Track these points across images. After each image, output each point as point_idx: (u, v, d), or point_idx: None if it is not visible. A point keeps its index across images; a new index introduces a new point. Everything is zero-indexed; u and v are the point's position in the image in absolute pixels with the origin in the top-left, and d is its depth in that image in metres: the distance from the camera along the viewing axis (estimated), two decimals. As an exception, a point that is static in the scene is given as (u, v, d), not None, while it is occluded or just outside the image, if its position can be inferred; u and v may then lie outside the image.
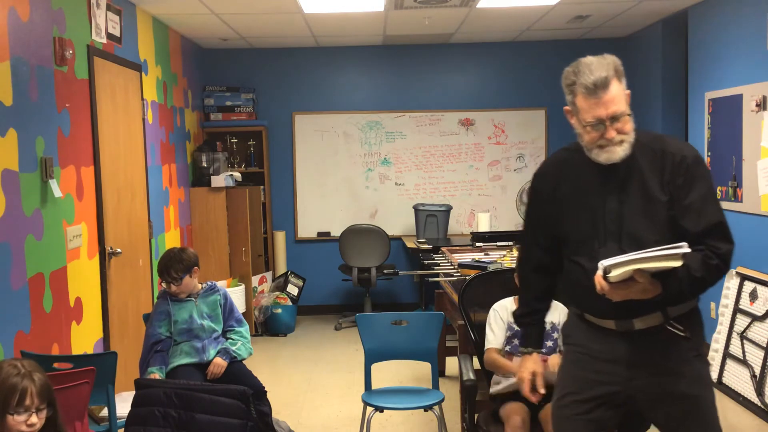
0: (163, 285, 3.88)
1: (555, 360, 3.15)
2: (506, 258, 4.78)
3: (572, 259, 2.35)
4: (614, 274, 2.07)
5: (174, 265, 3.79)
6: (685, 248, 2.03)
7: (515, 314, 2.65)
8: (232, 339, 3.90)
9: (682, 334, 2.24)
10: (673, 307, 2.23)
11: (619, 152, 2.21)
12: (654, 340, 2.26)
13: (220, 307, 3.92)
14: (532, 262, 2.53)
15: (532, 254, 2.52)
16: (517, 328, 3.36)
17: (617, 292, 2.13)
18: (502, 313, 3.42)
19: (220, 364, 3.78)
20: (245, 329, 3.97)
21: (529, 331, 2.58)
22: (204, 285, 3.96)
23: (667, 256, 2.04)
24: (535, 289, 2.54)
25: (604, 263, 2.09)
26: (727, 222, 2.21)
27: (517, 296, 3.43)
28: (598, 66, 2.20)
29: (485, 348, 3.41)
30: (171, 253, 3.85)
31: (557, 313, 3.39)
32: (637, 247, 2.16)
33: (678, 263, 2.05)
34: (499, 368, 3.33)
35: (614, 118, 2.18)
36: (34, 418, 2.22)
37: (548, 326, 3.35)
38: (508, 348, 3.38)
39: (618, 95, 2.19)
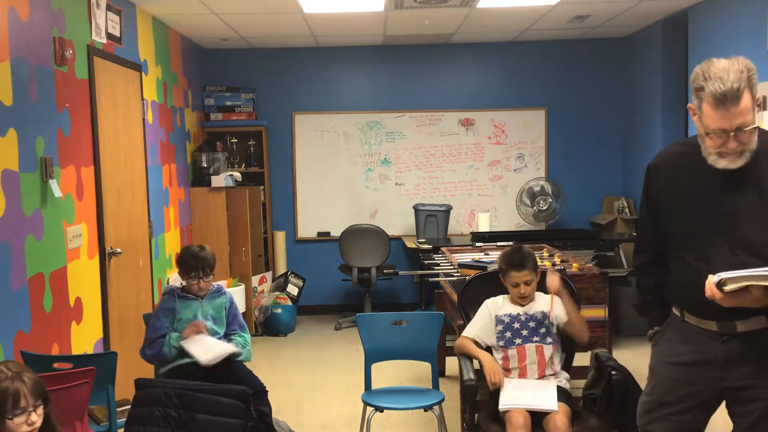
0: (183, 281, 3.89)
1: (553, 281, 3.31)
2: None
3: (679, 255, 2.32)
4: (730, 287, 2.04)
5: (209, 260, 3.82)
6: None
7: (637, 306, 2.62)
8: (239, 342, 3.89)
9: None
10: None
11: (738, 162, 2.15)
12: (755, 343, 2.22)
13: (225, 311, 3.92)
14: (648, 254, 2.49)
15: (649, 245, 2.48)
16: (507, 321, 3.40)
17: (729, 301, 2.09)
18: (491, 309, 3.49)
19: (205, 325, 3.76)
20: (248, 336, 3.97)
21: (654, 314, 2.52)
22: (212, 287, 3.96)
23: None
24: (652, 278, 2.49)
25: (722, 276, 2.05)
26: None
27: (508, 295, 3.49)
28: (731, 74, 2.09)
29: (461, 334, 3.49)
30: (197, 249, 3.85)
31: (546, 303, 3.42)
32: (747, 250, 2.12)
33: None
34: (467, 353, 3.43)
35: (739, 130, 2.11)
36: (33, 417, 2.23)
37: (540, 316, 3.39)
38: (501, 343, 3.41)
39: (747, 107, 2.09)
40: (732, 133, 2.10)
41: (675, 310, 2.40)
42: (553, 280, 3.33)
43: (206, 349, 3.71)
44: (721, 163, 2.16)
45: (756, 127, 2.13)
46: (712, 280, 2.08)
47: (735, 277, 2.02)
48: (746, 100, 2.09)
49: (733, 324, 2.22)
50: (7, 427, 2.20)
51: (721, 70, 2.11)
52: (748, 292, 2.06)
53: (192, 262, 3.81)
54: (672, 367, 2.37)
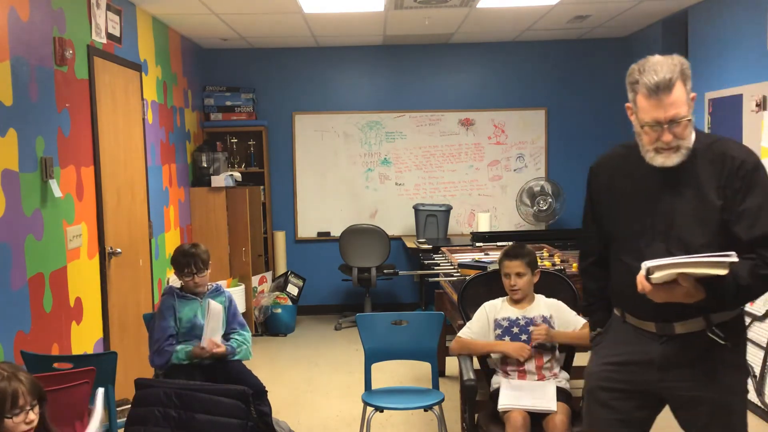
0: (180, 280, 3.90)
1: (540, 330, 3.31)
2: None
3: (618, 256, 2.33)
4: (657, 275, 2.04)
5: (201, 255, 3.85)
6: (733, 257, 1.99)
7: (581, 307, 2.64)
8: (237, 340, 3.90)
9: (722, 342, 2.19)
10: (716, 313, 2.19)
11: (674, 159, 2.17)
12: (692, 346, 2.22)
13: (224, 310, 3.92)
14: (592, 256, 2.50)
15: (592, 248, 2.50)
16: (505, 325, 3.41)
17: (659, 294, 2.10)
18: (490, 312, 3.48)
19: (218, 344, 3.74)
20: (248, 335, 3.97)
21: (597, 317, 2.52)
22: (210, 286, 3.97)
23: (713, 264, 2.00)
24: (596, 281, 2.50)
25: (647, 264, 2.05)
26: None
27: (506, 297, 3.49)
28: (664, 67, 2.15)
29: (457, 335, 3.49)
30: (188, 246, 3.89)
31: (546, 307, 3.43)
32: (684, 250, 2.12)
33: (723, 272, 2.00)
34: (474, 351, 3.43)
35: (673, 122, 2.14)
36: (31, 415, 2.25)
37: (539, 320, 3.39)
38: None
39: (680, 99, 2.13)
40: (666, 125, 2.14)
41: (616, 311, 2.40)
42: (539, 333, 3.33)
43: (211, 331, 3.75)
44: (658, 160, 2.18)
45: (690, 120, 2.15)
46: (641, 272, 2.09)
47: (661, 265, 2.02)
48: (679, 91, 2.13)
49: (671, 325, 2.22)
50: (6, 426, 2.21)
51: (655, 63, 2.17)
52: (678, 285, 2.07)
53: (184, 259, 3.84)
54: (609, 366, 2.36)
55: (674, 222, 2.20)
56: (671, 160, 2.17)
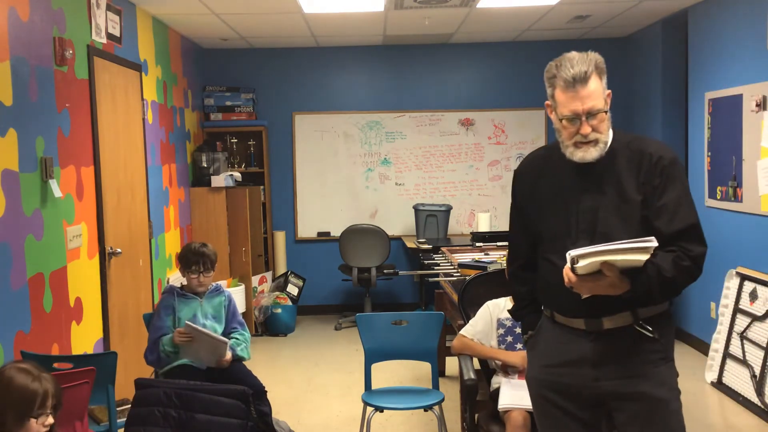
0: (184, 277, 3.91)
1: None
2: (506, 258, 4.78)
3: (545, 256, 2.35)
4: (581, 264, 2.07)
5: (210, 256, 3.88)
6: (653, 242, 2.03)
7: (512, 311, 2.65)
8: (236, 339, 3.90)
9: (650, 335, 2.21)
10: (643, 308, 2.21)
11: (593, 153, 2.21)
12: (622, 341, 2.23)
13: (224, 309, 3.94)
14: (519, 260, 2.52)
15: (519, 252, 2.51)
16: (509, 325, 3.41)
17: (585, 285, 2.12)
18: (493, 311, 3.48)
19: (228, 359, 3.77)
20: (247, 334, 3.99)
21: (529, 319, 2.52)
22: (210, 286, 3.98)
23: (635, 249, 2.04)
24: (525, 284, 2.51)
25: (571, 253, 2.08)
26: (700, 225, 2.19)
27: (510, 297, 3.49)
28: (579, 61, 2.20)
29: (459, 333, 3.49)
30: (198, 245, 3.91)
31: None
32: None
33: (645, 257, 2.06)
34: (477, 354, 3.42)
35: (590, 114, 2.18)
36: (51, 419, 2.30)
37: None
38: (502, 347, 3.42)
39: (596, 91, 2.19)
40: (584, 118, 2.18)
41: (545, 312, 2.41)
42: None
43: (208, 352, 3.72)
44: (578, 155, 2.22)
45: (606, 113, 2.20)
46: (567, 265, 2.11)
47: (585, 253, 2.04)
48: (595, 83, 2.19)
49: (600, 321, 2.23)
50: (30, 426, 2.25)
51: (571, 58, 2.22)
52: (603, 276, 2.08)
53: (193, 257, 3.86)
54: (548, 369, 2.36)
55: (597, 220, 2.23)
56: (590, 154, 2.21)
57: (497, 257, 4.85)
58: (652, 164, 2.20)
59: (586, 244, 2.18)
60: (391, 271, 6.84)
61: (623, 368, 2.24)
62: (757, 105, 4.71)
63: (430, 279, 5.16)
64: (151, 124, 5.39)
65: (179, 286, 3.96)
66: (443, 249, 5.65)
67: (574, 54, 2.24)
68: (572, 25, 6.43)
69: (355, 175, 7.39)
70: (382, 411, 3.71)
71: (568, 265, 2.11)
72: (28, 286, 3.34)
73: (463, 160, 7.40)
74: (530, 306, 2.51)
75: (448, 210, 7.03)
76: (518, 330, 3.39)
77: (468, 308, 3.67)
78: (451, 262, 5.04)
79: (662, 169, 2.20)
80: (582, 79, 2.17)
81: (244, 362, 3.92)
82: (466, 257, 4.97)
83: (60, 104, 3.78)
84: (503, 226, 7.34)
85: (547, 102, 2.31)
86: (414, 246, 6.80)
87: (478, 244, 5.79)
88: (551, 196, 2.34)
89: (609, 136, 2.25)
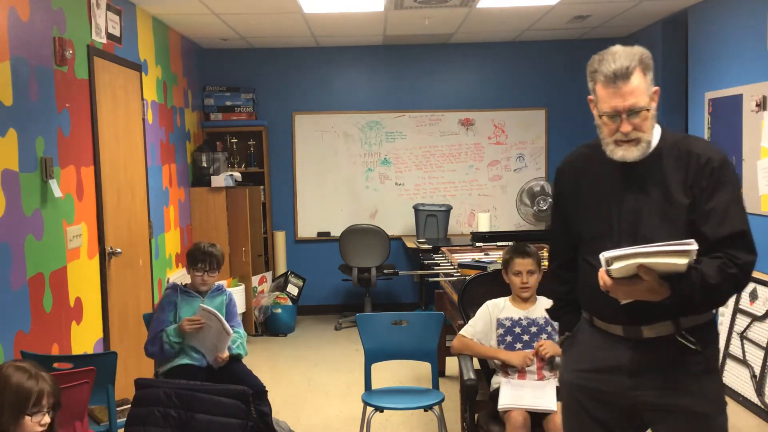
0: (189, 274, 3.95)
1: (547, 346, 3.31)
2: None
3: (585, 258, 2.26)
4: (616, 267, 1.96)
5: (218, 257, 3.93)
6: (693, 245, 1.92)
7: (549, 311, 2.57)
8: (233, 338, 3.91)
9: (693, 347, 2.10)
10: (685, 317, 2.10)
11: (634, 152, 2.11)
12: (662, 351, 2.13)
13: (224, 308, 3.96)
14: (559, 259, 2.44)
15: (559, 251, 2.43)
16: (508, 325, 3.41)
17: (621, 290, 2.02)
18: (492, 311, 3.48)
19: (225, 356, 3.81)
20: (243, 331, 4.04)
21: (566, 320, 2.44)
22: (213, 285, 4.00)
23: (673, 252, 1.92)
24: (564, 284, 2.42)
25: (605, 254, 1.97)
26: (750, 232, 2.07)
27: (509, 297, 3.49)
28: (622, 55, 2.09)
29: (459, 333, 3.49)
30: (207, 245, 3.94)
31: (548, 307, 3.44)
32: None
33: (684, 261, 1.93)
34: (477, 354, 3.43)
35: (632, 112, 2.08)
36: (47, 418, 2.30)
37: (542, 321, 3.39)
38: (502, 347, 3.42)
39: (639, 88, 2.07)
40: (624, 115, 2.08)
41: (584, 315, 2.32)
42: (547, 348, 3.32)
43: (212, 342, 3.76)
44: (618, 153, 2.12)
45: (649, 111, 2.09)
46: (602, 267, 2.01)
47: (620, 255, 1.94)
48: (638, 80, 2.07)
49: (639, 329, 2.13)
50: (24, 424, 2.26)
51: (615, 52, 2.11)
52: (639, 280, 1.98)
53: (201, 256, 3.90)
54: (582, 373, 2.28)
55: (640, 222, 2.14)
56: (631, 153, 2.11)
57: (497, 257, 4.85)
58: (701, 166, 2.09)
59: (627, 247, 2.07)
60: (391, 271, 6.83)
61: (661, 379, 2.13)
62: (757, 105, 4.71)
63: (430, 279, 5.16)
64: (151, 124, 5.39)
65: (182, 284, 3.99)
66: (443, 249, 5.65)
67: (618, 48, 2.13)
68: (572, 25, 6.43)
69: (355, 175, 7.39)
70: (382, 411, 3.71)
71: (603, 267, 2.00)
72: (28, 286, 3.34)
73: (463, 160, 7.40)
74: (568, 306, 2.42)
75: (448, 210, 7.03)
76: (517, 330, 3.40)
77: (468, 308, 3.67)
78: (451, 262, 5.04)
79: (711, 171, 2.08)
80: (623, 75, 2.07)
81: (244, 362, 3.93)
82: (466, 257, 4.97)
83: (60, 104, 3.78)
84: (503, 226, 7.35)
85: (589, 97, 2.21)
86: (414, 246, 6.80)
87: (478, 244, 5.79)
88: (592, 195, 2.25)
89: (654, 135, 2.14)
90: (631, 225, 2.15)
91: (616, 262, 1.96)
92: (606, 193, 2.21)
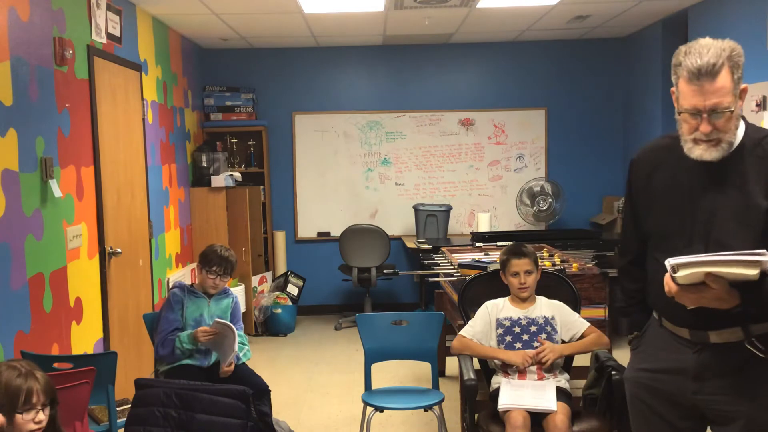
0: (200, 275, 3.93)
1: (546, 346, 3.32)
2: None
3: (654, 255, 2.17)
4: (682, 274, 1.88)
5: (232, 263, 3.93)
6: (765, 256, 1.81)
7: (618, 308, 2.52)
8: (239, 344, 3.90)
9: (762, 355, 2.00)
10: (756, 324, 2.01)
11: (713, 153, 1.98)
12: (728, 357, 2.05)
13: (230, 311, 3.96)
14: (629, 255, 2.35)
15: (630, 246, 2.34)
16: (507, 325, 3.41)
17: (687, 296, 1.94)
18: (492, 311, 3.48)
19: (230, 369, 3.79)
20: (244, 334, 4.03)
21: (635, 318, 2.36)
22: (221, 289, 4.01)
23: (743, 263, 1.82)
24: (635, 281, 2.34)
25: (671, 261, 1.88)
26: None
27: (509, 297, 3.49)
28: (711, 50, 1.96)
29: (459, 333, 3.49)
30: (224, 249, 3.95)
31: (549, 308, 3.44)
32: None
33: (754, 272, 1.83)
34: (476, 354, 3.42)
35: (714, 112, 1.95)
36: (41, 415, 2.30)
37: (541, 320, 3.39)
38: (501, 346, 3.42)
39: (724, 88, 1.95)
40: (705, 115, 1.96)
41: (654, 314, 2.25)
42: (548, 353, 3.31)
43: (223, 352, 3.76)
44: (696, 152, 2.00)
45: (731, 112, 1.96)
46: (668, 272, 1.93)
47: (686, 263, 1.85)
48: (724, 79, 1.95)
49: (705, 334, 2.07)
50: (16, 422, 2.26)
51: (703, 46, 1.98)
52: (707, 288, 1.90)
53: (216, 259, 3.90)
54: (644, 373, 2.24)
55: (714, 223, 2.02)
56: (710, 153, 1.98)
57: (497, 257, 4.85)
58: None
59: (700, 248, 2.00)
60: (391, 271, 6.82)
61: (727, 385, 2.07)
62: (757, 105, 4.71)
63: (430, 279, 5.15)
64: (151, 124, 5.39)
65: (189, 284, 3.99)
66: (443, 249, 5.65)
67: (707, 42, 1.99)
68: (572, 25, 6.43)
69: (355, 175, 7.39)
70: (382, 411, 3.71)
71: (669, 270, 1.92)
72: (28, 286, 3.34)
73: (463, 160, 7.40)
74: (638, 305, 2.34)
75: (448, 210, 7.03)
76: (517, 329, 3.40)
77: (468, 308, 3.67)
78: (451, 262, 5.04)
79: None
80: (709, 73, 1.94)
81: (245, 362, 3.94)
82: (466, 257, 4.97)
83: (60, 104, 3.78)
84: (503, 226, 7.35)
85: (672, 89, 2.09)
86: (414, 246, 6.79)
87: (478, 244, 5.79)
88: (666, 191, 2.14)
89: (737, 136, 2.02)
90: (703, 226, 2.05)
91: (683, 269, 1.88)
92: (681, 188, 2.10)
